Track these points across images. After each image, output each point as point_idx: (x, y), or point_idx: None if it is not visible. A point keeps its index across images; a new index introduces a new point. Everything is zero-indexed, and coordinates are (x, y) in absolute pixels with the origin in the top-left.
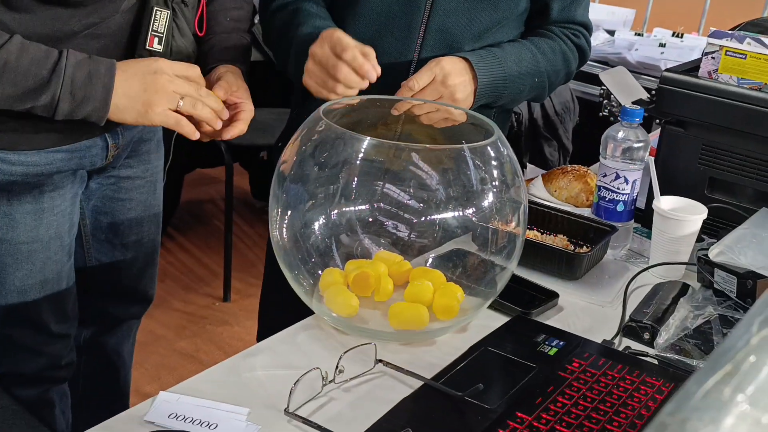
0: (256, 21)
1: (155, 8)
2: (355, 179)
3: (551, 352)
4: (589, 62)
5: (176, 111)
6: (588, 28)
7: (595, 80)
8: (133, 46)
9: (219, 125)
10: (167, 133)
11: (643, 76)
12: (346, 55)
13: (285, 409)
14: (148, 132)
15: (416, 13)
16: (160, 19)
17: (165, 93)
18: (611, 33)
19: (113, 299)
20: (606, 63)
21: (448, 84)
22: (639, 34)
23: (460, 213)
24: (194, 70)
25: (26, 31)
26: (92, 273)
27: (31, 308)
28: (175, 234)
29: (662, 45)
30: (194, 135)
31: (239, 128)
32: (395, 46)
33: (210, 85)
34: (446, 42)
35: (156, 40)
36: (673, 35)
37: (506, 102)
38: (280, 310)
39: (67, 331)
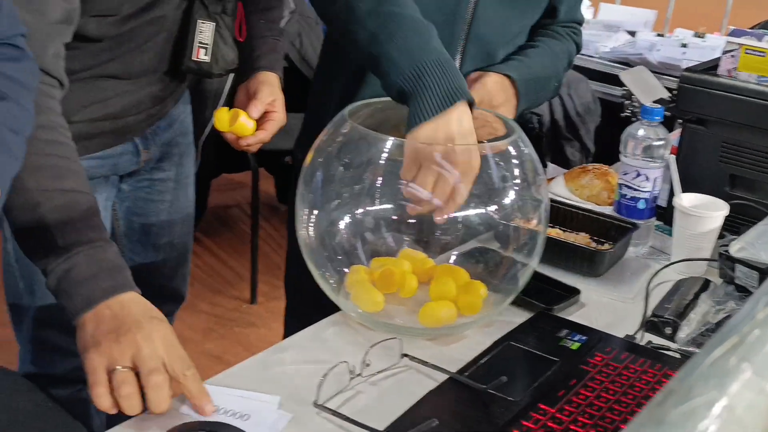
0: (283, 23)
1: (199, 20)
2: (380, 179)
3: (574, 347)
4: (610, 63)
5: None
6: (582, 24)
7: (616, 81)
8: (178, 59)
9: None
10: (195, 137)
11: (664, 77)
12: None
13: (314, 402)
14: (179, 135)
15: (459, 23)
16: (206, 30)
17: (113, 350)
18: (632, 34)
19: (146, 298)
20: (627, 64)
21: (493, 105)
22: (660, 35)
23: (483, 211)
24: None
25: (73, 66)
26: None
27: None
28: (203, 238)
29: (684, 45)
30: (107, 408)
31: (260, 137)
32: None
33: (248, 95)
34: (484, 50)
35: (202, 51)
36: (694, 35)
37: (531, 106)
38: (305, 311)
39: None
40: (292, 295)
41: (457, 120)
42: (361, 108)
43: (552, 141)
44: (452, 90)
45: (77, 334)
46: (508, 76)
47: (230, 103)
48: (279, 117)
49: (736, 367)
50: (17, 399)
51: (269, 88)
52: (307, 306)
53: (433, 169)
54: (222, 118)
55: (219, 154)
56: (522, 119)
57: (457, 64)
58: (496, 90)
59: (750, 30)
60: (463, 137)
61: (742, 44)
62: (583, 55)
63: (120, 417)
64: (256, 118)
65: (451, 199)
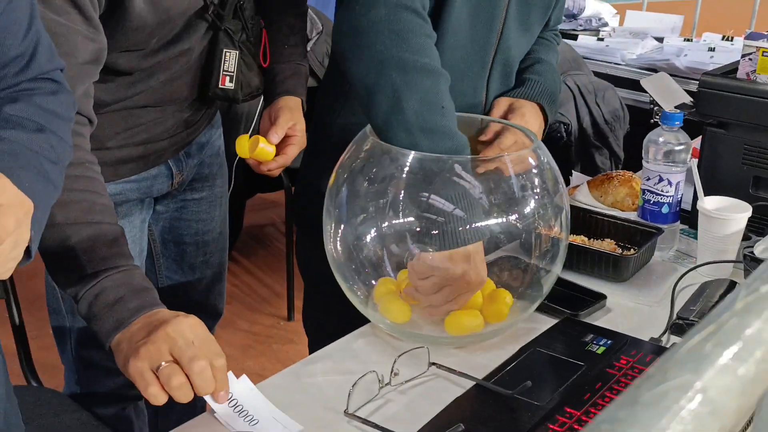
0: (309, 46)
1: (224, 50)
2: (402, 192)
3: (599, 351)
4: (638, 70)
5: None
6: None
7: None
8: (205, 87)
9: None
10: (228, 159)
11: (692, 81)
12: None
13: (345, 411)
14: (210, 156)
15: (489, 51)
16: (230, 59)
17: (150, 351)
18: (660, 40)
19: None
20: (654, 70)
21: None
22: (688, 40)
23: (504, 220)
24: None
25: (107, 98)
26: (163, 291)
27: None
28: (239, 257)
29: (711, 49)
30: (158, 400)
31: (280, 162)
32: (470, 86)
33: (271, 119)
34: (506, 71)
35: (227, 78)
36: (722, 39)
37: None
38: (328, 324)
39: None
40: (311, 311)
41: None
42: None
43: (581, 149)
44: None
45: (115, 357)
46: (538, 103)
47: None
48: (299, 141)
49: (711, 353)
50: (64, 418)
51: (289, 113)
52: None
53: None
54: (242, 145)
55: (252, 175)
56: (549, 128)
57: (484, 83)
58: (532, 119)
59: (767, 33)
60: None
61: (760, 47)
62: (610, 62)
63: None
64: (275, 143)
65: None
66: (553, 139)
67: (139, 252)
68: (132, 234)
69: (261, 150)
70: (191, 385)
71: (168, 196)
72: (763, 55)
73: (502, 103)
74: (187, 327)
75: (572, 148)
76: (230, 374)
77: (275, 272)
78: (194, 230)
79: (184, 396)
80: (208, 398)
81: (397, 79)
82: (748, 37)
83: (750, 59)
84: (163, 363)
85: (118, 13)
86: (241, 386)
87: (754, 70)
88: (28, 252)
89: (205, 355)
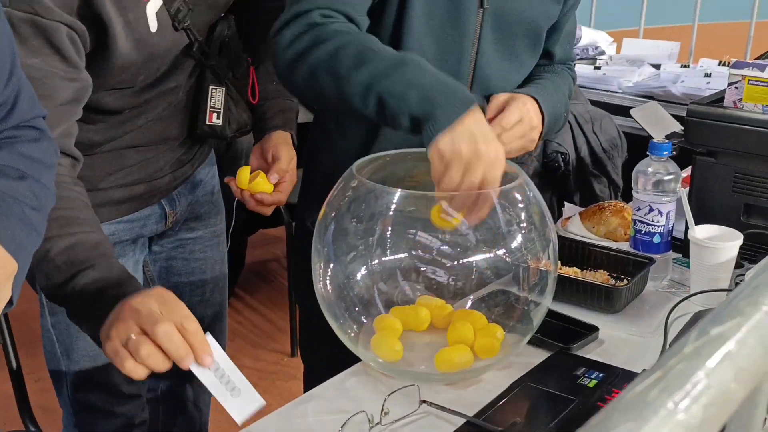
0: None
1: (211, 86)
2: (389, 230)
3: (591, 384)
4: (635, 98)
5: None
6: (574, 61)
7: None
8: (193, 124)
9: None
10: (228, 197)
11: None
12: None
13: None
14: (204, 195)
15: (462, 81)
16: (217, 96)
17: (119, 329)
18: (657, 67)
19: None
20: (651, 97)
21: (534, 125)
22: (685, 66)
23: (492, 254)
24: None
25: (96, 138)
26: None
27: (102, 372)
28: (242, 294)
29: (708, 75)
30: (137, 374)
31: (275, 198)
32: None
33: (263, 154)
34: (487, 102)
35: (215, 115)
36: (719, 64)
37: (547, 135)
38: (324, 355)
39: (138, 392)
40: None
41: (475, 122)
42: (368, 163)
43: (579, 178)
44: (463, 100)
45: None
46: (536, 100)
47: None
48: (292, 177)
49: (655, 400)
50: None
51: (287, 149)
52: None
53: (461, 164)
54: (243, 176)
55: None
56: (547, 158)
57: None
58: (534, 111)
59: (752, 61)
60: (484, 136)
61: (745, 75)
62: (607, 90)
63: None
64: (274, 182)
65: (482, 197)
66: (551, 169)
67: None
68: None
69: (260, 183)
70: (165, 352)
71: (164, 235)
72: (749, 83)
73: (501, 96)
74: (152, 297)
75: (570, 178)
76: (209, 337)
77: (278, 308)
78: (191, 269)
79: (157, 364)
80: (193, 367)
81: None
82: (734, 65)
83: (736, 87)
84: (132, 336)
85: (104, 52)
86: (218, 351)
87: (741, 98)
88: (10, 300)
89: (171, 318)
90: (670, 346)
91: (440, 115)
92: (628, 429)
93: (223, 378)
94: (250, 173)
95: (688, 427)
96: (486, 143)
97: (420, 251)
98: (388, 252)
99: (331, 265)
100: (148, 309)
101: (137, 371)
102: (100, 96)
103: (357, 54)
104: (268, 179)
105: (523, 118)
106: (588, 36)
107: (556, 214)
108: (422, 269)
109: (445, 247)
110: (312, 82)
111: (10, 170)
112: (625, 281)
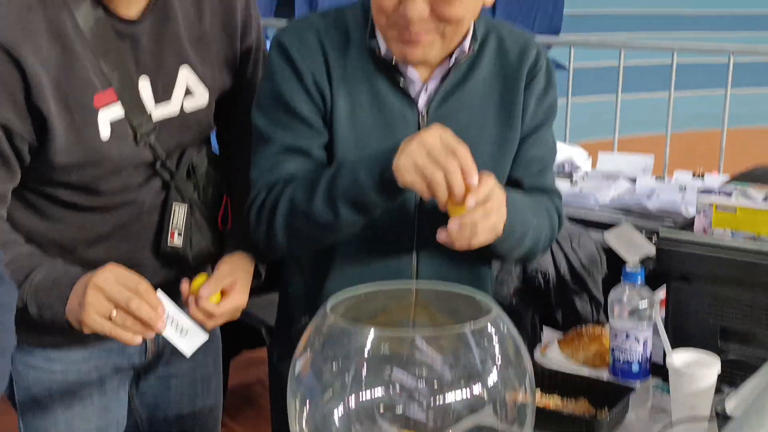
0: None
1: (174, 202)
2: (365, 369)
3: None
4: (611, 213)
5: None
6: (558, 194)
7: None
8: (158, 245)
9: (159, 328)
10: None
11: (666, 223)
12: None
13: None
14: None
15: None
16: (179, 213)
17: (93, 304)
18: (633, 180)
19: None
20: (629, 210)
21: (500, 208)
22: (660, 178)
23: (469, 391)
24: (141, 285)
25: (59, 238)
26: None
27: None
28: (226, 420)
29: (683, 189)
30: (132, 341)
31: (214, 310)
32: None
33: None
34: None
35: (176, 234)
36: (693, 176)
37: (509, 247)
38: None
39: None
40: None
41: (412, 138)
42: (343, 300)
43: (561, 295)
44: (394, 146)
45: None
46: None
47: None
48: (235, 299)
49: None
50: None
51: (229, 268)
52: None
53: (426, 158)
54: (198, 282)
55: (234, 333)
56: (527, 276)
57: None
58: (497, 189)
59: (719, 188)
60: (423, 134)
61: (713, 203)
62: (584, 207)
63: None
64: (205, 296)
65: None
66: (532, 287)
67: (114, 424)
68: (102, 404)
69: (198, 280)
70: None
71: (149, 370)
72: (717, 210)
73: (485, 182)
74: (110, 273)
75: (552, 296)
76: (159, 293)
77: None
78: (180, 405)
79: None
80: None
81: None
82: (702, 192)
83: (705, 215)
84: (113, 313)
85: (44, 147)
86: (168, 303)
87: (710, 224)
88: None
89: (130, 289)
90: None
91: (386, 159)
92: None
93: (173, 323)
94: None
95: None
96: (426, 132)
97: (397, 389)
98: (366, 391)
99: (307, 405)
100: (110, 287)
101: (137, 339)
102: (51, 189)
103: (304, 189)
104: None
105: (493, 195)
106: (564, 152)
107: (539, 333)
108: (399, 407)
109: (421, 386)
110: (290, 235)
111: None
112: (605, 410)
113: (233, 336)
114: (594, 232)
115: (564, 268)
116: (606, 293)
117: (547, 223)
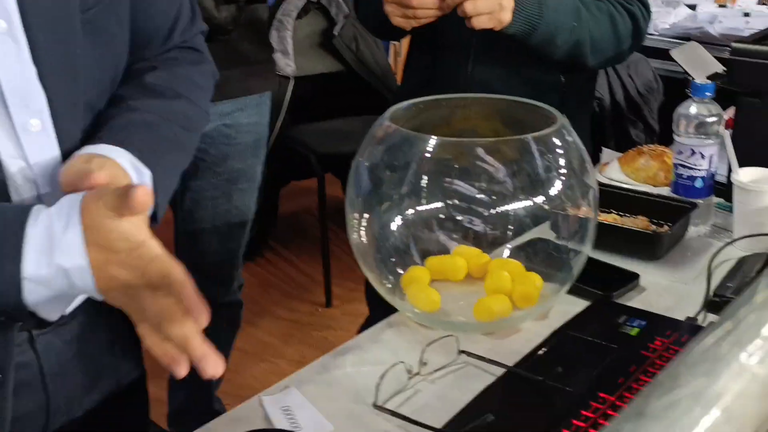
0: (337, 30)
1: None
2: (425, 178)
3: (633, 332)
4: (671, 40)
5: None
6: (645, 4)
7: None
8: None
9: None
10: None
11: (728, 49)
12: None
13: (373, 403)
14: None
15: None
16: None
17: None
18: (693, 7)
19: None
20: (688, 38)
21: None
22: (723, 6)
23: (531, 202)
24: None
25: None
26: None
27: None
28: (276, 245)
29: (746, 14)
30: None
31: None
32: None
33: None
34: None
35: None
36: (758, 3)
37: (542, 40)
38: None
39: None
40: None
41: None
42: (403, 109)
43: (615, 123)
44: None
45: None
46: None
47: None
48: None
49: (728, 354)
50: None
51: None
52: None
53: None
54: None
55: (286, 162)
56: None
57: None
58: None
59: None
60: None
61: None
62: None
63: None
64: None
65: None
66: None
67: None
68: None
69: None
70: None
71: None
72: None
73: None
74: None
75: (606, 123)
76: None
77: (312, 259)
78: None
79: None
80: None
81: None
82: None
83: None
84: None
85: None
86: (293, 398)
87: None
88: (154, 217)
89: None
90: (713, 293)
91: None
92: (699, 386)
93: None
94: None
95: (764, 382)
96: None
97: (456, 200)
98: (423, 201)
99: (366, 216)
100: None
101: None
102: None
103: None
104: None
105: None
106: None
107: (597, 155)
108: (458, 218)
109: (481, 196)
110: None
111: (167, 90)
112: (666, 227)
113: (282, 166)
114: (652, 60)
115: (620, 94)
116: (661, 122)
117: (607, 26)
